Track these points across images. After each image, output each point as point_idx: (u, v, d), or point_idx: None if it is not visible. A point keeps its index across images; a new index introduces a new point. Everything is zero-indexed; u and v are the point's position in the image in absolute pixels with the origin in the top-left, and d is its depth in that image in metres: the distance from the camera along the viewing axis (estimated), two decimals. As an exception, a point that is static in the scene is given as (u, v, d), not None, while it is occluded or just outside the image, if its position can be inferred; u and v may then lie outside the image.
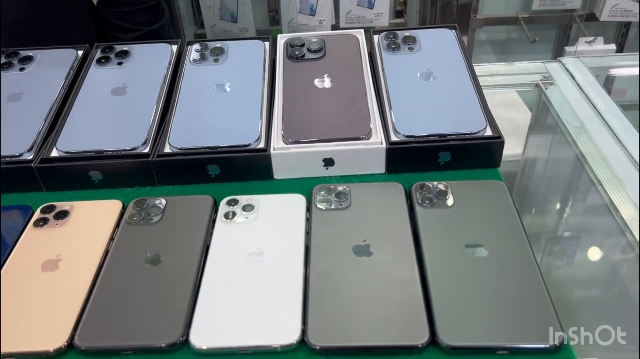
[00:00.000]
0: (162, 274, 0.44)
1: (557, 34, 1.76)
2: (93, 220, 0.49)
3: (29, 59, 0.64)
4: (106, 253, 0.46)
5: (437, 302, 0.40)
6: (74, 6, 0.84)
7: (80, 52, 0.66)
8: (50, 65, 0.64)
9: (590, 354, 0.40)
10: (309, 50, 0.63)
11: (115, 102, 0.58)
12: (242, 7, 1.47)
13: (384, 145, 0.52)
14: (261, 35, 0.67)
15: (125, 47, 0.65)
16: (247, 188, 0.53)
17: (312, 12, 1.49)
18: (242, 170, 0.53)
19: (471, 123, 0.53)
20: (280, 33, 1.68)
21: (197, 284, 0.43)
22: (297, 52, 0.63)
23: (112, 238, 0.47)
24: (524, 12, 1.65)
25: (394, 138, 0.53)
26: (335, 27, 1.57)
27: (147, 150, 0.53)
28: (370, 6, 1.51)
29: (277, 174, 0.54)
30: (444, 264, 0.43)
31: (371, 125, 0.54)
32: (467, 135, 0.52)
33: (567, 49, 1.60)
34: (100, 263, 0.45)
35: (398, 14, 1.68)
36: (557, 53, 1.74)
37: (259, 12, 1.61)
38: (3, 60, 0.64)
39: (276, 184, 0.54)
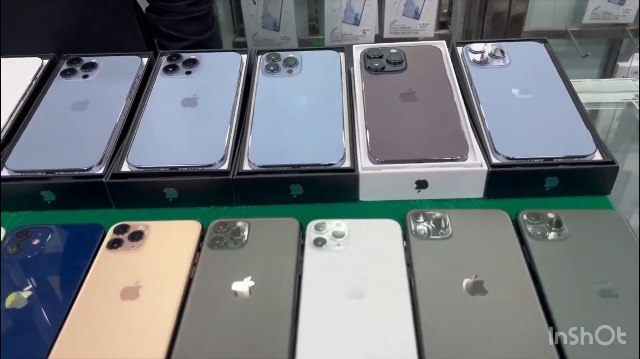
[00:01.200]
0: (255, 306, 0.39)
1: (606, 49, 1.70)
2: (171, 242, 0.45)
3: (92, 65, 0.61)
4: (189, 279, 0.42)
5: (569, 350, 0.36)
6: (124, 13, 0.82)
7: (145, 60, 0.62)
8: (115, 73, 0.60)
9: None
10: (388, 62, 0.59)
11: (187, 114, 0.55)
12: (285, 16, 1.44)
13: (485, 167, 0.48)
14: (335, 45, 0.64)
15: (192, 56, 0.62)
16: (332, 211, 0.49)
17: (357, 22, 1.46)
18: (326, 191, 0.49)
19: (579, 146, 0.48)
20: (321, 43, 1.66)
21: (295, 320, 0.38)
22: (376, 64, 0.59)
23: (194, 263, 0.43)
24: (573, 25, 1.60)
25: (494, 160, 0.48)
26: (378, 37, 1.54)
27: (225, 167, 0.49)
28: (417, 16, 1.47)
29: (364, 196, 0.50)
30: (571, 305, 0.38)
31: (467, 145, 0.50)
32: (575, 159, 0.48)
33: (620, 64, 1.55)
34: (184, 291, 0.41)
35: (441, 25, 1.64)
36: (606, 68, 1.68)
37: (299, 21, 1.58)
38: (65, 66, 0.61)
39: (362, 207, 0.49)
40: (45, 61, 0.62)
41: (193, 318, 0.39)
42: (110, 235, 0.46)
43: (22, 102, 0.57)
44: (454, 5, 1.61)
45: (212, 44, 0.87)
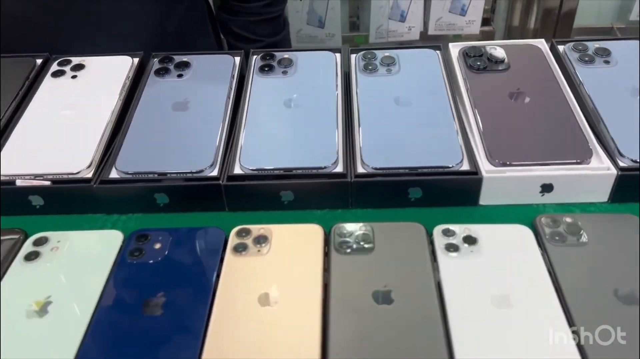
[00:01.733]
0: (400, 313, 0.38)
1: (651, 46, 1.67)
2: (296, 246, 0.44)
3: (185, 64, 0.60)
4: (325, 286, 0.41)
5: None
6: (197, 12, 0.80)
7: (237, 59, 0.61)
8: (210, 72, 0.59)
9: None
10: (490, 60, 0.58)
11: (294, 115, 0.53)
12: (331, 13, 1.42)
13: (614, 171, 0.46)
14: (430, 44, 0.62)
15: (286, 55, 0.61)
16: (454, 215, 0.47)
17: (402, 19, 1.44)
18: (445, 194, 0.48)
19: None
20: (362, 40, 1.65)
21: (447, 330, 0.37)
22: (478, 63, 0.58)
23: (325, 269, 0.42)
24: (619, 22, 1.57)
25: (621, 163, 0.47)
26: (422, 34, 1.52)
27: (339, 169, 0.48)
28: (463, 13, 1.45)
29: (484, 200, 0.48)
30: None
31: (590, 147, 0.48)
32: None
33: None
34: (321, 298, 0.40)
35: (484, 21, 1.62)
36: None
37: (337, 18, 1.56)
38: (157, 65, 0.60)
39: (483, 211, 0.48)
40: (136, 60, 0.61)
41: (339, 326, 0.38)
42: (233, 239, 0.45)
43: (121, 100, 0.56)
44: (497, 2, 1.59)
45: (283, 45, 0.85)
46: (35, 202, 0.49)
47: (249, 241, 0.44)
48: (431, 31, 1.50)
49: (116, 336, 0.38)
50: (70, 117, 0.54)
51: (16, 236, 0.46)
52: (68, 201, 0.49)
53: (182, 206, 0.49)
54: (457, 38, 1.60)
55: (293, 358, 0.36)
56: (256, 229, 0.45)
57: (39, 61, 0.62)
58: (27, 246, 0.45)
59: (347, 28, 1.63)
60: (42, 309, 0.40)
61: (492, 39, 1.62)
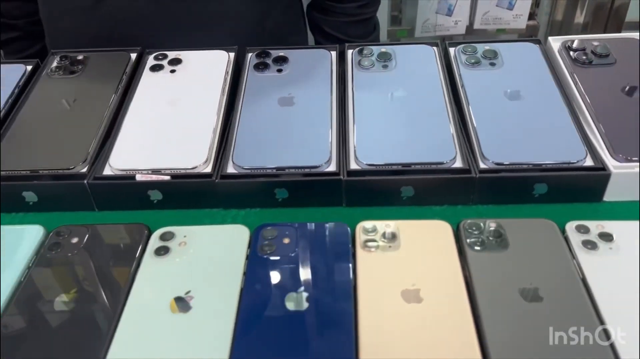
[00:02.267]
0: (552, 311, 0.38)
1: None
2: (427, 242, 0.43)
3: (283, 59, 0.60)
4: (466, 281, 0.40)
5: None
6: (293, 10, 0.79)
7: (334, 54, 0.61)
8: (310, 67, 0.59)
9: None
10: (594, 54, 0.57)
11: (402, 110, 0.52)
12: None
13: None
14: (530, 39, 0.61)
15: (383, 49, 0.60)
16: (578, 211, 0.47)
17: (450, 13, 1.43)
18: (571, 190, 0.47)
19: None
20: (405, 34, 1.63)
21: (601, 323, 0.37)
22: (583, 57, 0.57)
23: (462, 265, 0.42)
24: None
25: None
26: (468, 28, 1.51)
27: (459, 165, 0.48)
28: (510, 7, 1.43)
29: (609, 196, 0.48)
30: None
31: None
32: None
33: None
34: (467, 293, 0.39)
35: (528, 16, 1.60)
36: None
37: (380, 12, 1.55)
38: (255, 60, 0.60)
39: (607, 207, 0.48)
40: (232, 54, 0.61)
41: (493, 323, 0.37)
42: (360, 234, 0.44)
43: (225, 95, 0.56)
44: (542, -5, 1.57)
45: None
46: (153, 197, 0.49)
47: (377, 237, 0.44)
48: (477, 25, 1.48)
49: (265, 333, 0.38)
50: (177, 111, 0.54)
51: (141, 231, 0.46)
52: (187, 196, 0.49)
53: (300, 201, 0.49)
54: (500, 32, 1.59)
55: (454, 358, 0.36)
56: (382, 225, 0.45)
57: (133, 55, 0.62)
58: (155, 241, 0.45)
59: (389, 23, 1.62)
60: (185, 305, 0.40)
61: (537, 34, 1.60)
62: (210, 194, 0.48)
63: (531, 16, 1.61)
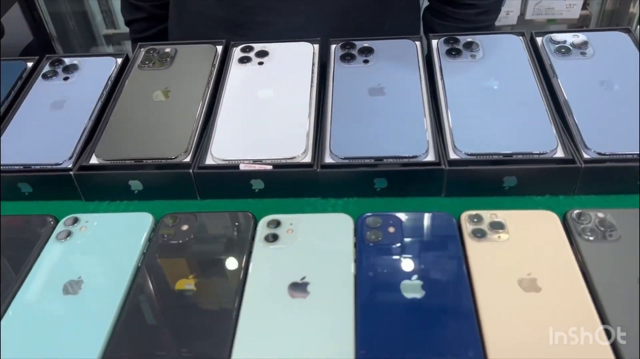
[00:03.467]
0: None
1: None
2: (536, 232, 0.43)
3: (368, 50, 0.60)
4: (581, 270, 0.40)
5: None
6: (412, 12, 0.79)
7: (418, 44, 0.61)
8: (396, 58, 0.59)
9: None
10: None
11: (500, 100, 0.52)
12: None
13: None
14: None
15: (469, 38, 0.60)
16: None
17: (502, 3, 1.41)
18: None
19: None
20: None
21: None
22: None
23: (575, 255, 0.42)
24: None
25: None
26: (519, 18, 1.49)
27: (561, 155, 0.48)
28: (564, -4, 1.41)
29: None
30: None
31: None
32: None
33: None
34: (585, 285, 0.40)
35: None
36: None
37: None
38: (340, 52, 0.60)
39: None
40: (316, 46, 0.62)
41: (615, 312, 0.37)
42: (466, 223, 0.44)
43: (315, 86, 0.57)
44: (594, -15, 1.54)
45: None
46: (255, 186, 0.50)
47: (484, 226, 0.44)
48: (529, 15, 1.46)
49: (387, 319, 0.38)
50: (269, 103, 0.55)
51: (248, 219, 0.47)
52: (288, 185, 0.50)
53: (399, 191, 0.49)
54: (551, 22, 1.57)
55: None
56: (488, 214, 0.45)
57: (219, 48, 0.63)
58: (263, 229, 0.46)
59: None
60: (303, 289, 0.41)
61: (589, 24, 1.57)
62: (310, 183, 0.49)
63: (583, 5, 1.58)
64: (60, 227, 0.47)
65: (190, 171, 0.49)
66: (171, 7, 0.78)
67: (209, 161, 0.50)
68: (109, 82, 0.59)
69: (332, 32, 0.65)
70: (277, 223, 0.46)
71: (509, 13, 1.44)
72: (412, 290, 0.40)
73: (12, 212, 0.50)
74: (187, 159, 0.50)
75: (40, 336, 0.39)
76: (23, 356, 0.38)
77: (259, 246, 0.44)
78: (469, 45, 0.59)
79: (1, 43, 0.66)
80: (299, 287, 0.41)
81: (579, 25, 1.61)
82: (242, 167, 0.49)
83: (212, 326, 0.39)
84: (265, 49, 0.61)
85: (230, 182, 0.50)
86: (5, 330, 0.40)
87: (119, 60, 0.62)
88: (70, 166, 0.51)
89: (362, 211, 0.47)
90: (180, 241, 0.45)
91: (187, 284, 0.42)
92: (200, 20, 0.73)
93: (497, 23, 1.54)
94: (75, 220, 0.47)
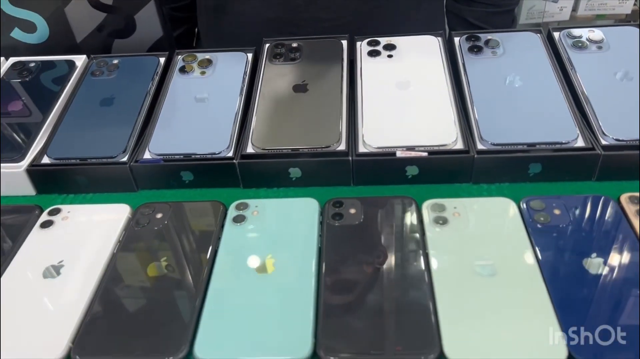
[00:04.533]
0: None
1: None
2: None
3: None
4: None
5: None
6: (436, 3, 0.82)
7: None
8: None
9: None
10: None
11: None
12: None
13: None
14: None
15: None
16: None
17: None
18: None
19: None
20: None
21: None
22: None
23: None
24: None
25: None
26: (572, 14, 1.50)
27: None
28: (618, -9, 1.42)
29: None
30: None
31: None
32: None
33: None
34: None
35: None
36: None
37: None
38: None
39: None
40: (440, 39, 0.64)
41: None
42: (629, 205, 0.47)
43: (448, 76, 0.58)
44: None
45: None
46: (409, 172, 0.52)
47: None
48: (581, 11, 1.48)
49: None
50: (408, 93, 0.57)
51: (410, 203, 0.49)
52: (441, 171, 0.52)
53: (552, 176, 0.51)
54: (600, 18, 1.58)
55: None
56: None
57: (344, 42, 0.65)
58: (428, 213, 0.48)
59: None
60: (489, 272, 0.43)
61: (636, 19, 1.59)
62: (465, 169, 0.51)
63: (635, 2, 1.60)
64: (232, 212, 0.50)
65: (349, 159, 0.52)
66: (201, 10, 0.80)
67: (361, 149, 0.53)
68: (245, 76, 0.62)
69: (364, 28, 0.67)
70: (442, 208, 0.48)
71: (562, 9, 1.45)
72: (595, 267, 0.42)
73: (177, 199, 0.53)
74: (342, 147, 0.52)
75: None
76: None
77: (429, 229, 0.46)
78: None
79: (131, 39, 0.69)
80: (485, 269, 0.43)
81: (626, 20, 1.62)
82: (399, 154, 0.51)
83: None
84: (392, 43, 0.63)
85: (386, 169, 0.52)
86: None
87: (250, 55, 0.65)
88: (230, 154, 0.53)
89: (518, 195, 0.49)
90: (355, 224, 0.47)
91: (370, 263, 0.44)
92: (242, 21, 0.75)
93: (550, 19, 1.57)
94: (246, 205, 0.50)
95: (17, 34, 0.70)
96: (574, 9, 1.48)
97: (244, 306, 0.42)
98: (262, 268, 0.45)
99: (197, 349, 0.39)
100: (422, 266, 0.43)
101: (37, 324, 0.42)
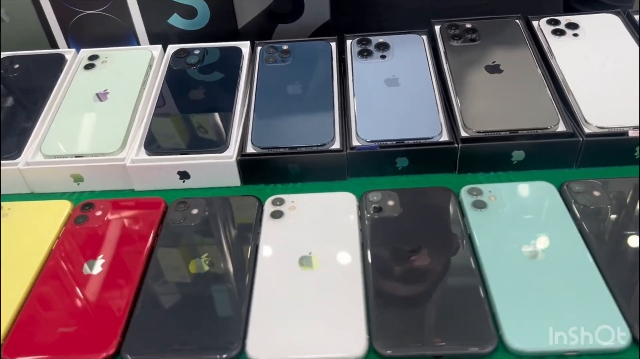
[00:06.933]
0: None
1: None
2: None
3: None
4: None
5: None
6: None
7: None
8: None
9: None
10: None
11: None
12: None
13: None
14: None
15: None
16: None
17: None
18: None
19: None
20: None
21: None
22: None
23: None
24: None
25: None
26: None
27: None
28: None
29: None
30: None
31: None
32: None
33: None
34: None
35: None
36: None
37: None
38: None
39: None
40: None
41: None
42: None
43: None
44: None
45: None
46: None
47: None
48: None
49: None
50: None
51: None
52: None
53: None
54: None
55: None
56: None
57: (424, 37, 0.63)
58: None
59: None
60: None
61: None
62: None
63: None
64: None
65: (579, 139, 0.50)
66: None
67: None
68: (428, 58, 0.60)
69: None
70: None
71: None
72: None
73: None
74: (562, 128, 0.51)
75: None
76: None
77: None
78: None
79: (295, 24, 0.65)
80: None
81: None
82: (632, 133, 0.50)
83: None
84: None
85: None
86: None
87: (424, 37, 0.63)
88: (446, 139, 0.51)
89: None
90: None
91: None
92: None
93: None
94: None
95: (174, 19, 0.64)
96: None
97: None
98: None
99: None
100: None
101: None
